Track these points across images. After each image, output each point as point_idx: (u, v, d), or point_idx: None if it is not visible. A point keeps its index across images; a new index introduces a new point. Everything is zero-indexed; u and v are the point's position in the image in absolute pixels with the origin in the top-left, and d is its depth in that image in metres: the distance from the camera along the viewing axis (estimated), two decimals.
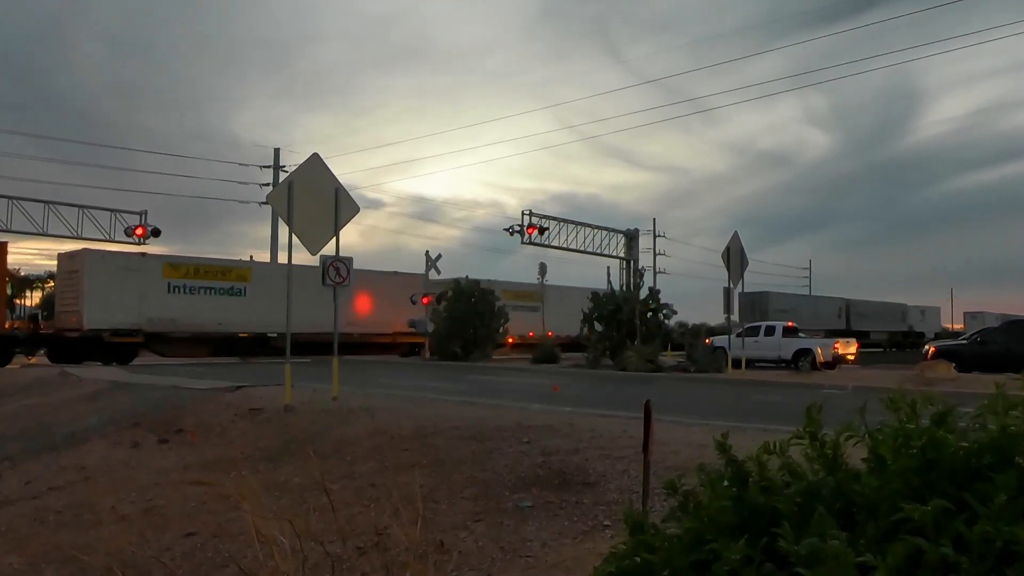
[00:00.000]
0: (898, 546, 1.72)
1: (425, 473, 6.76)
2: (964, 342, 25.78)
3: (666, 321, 32.02)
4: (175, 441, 10.03)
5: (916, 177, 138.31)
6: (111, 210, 32.77)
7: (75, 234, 31.60)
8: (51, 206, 31.26)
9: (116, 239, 32.40)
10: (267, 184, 41.13)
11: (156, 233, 33.02)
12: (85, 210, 32.08)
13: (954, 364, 21.57)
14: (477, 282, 35.03)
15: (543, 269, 44.20)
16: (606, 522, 5.52)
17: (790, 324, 30.91)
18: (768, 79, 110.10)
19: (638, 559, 2.14)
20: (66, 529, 6.64)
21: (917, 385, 15.37)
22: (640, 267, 37.29)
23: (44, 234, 30.95)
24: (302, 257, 13.54)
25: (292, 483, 7.20)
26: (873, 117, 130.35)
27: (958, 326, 79.82)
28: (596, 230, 36.17)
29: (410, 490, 4.85)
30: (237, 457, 7.83)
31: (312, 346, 25.45)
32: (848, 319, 55.44)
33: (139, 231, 32.55)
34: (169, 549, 5.76)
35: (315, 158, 12.85)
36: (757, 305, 44.43)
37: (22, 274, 57.93)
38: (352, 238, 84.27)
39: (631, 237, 37.83)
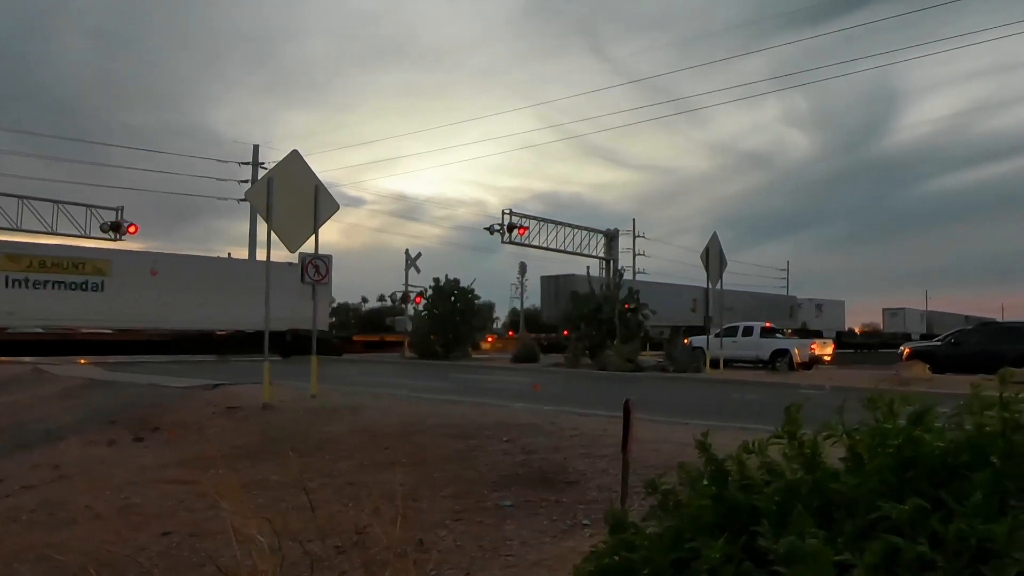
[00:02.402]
0: (875, 544, 1.74)
1: (406, 471, 6.74)
2: (939, 343, 26.11)
3: (645, 321, 32.19)
4: (152, 439, 9.93)
5: (899, 178, 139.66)
6: (87, 205, 32.44)
7: (50, 229, 31.24)
8: (25, 201, 30.88)
9: (92, 235, 32.07)
10: (246, 181, 40.86)
11: (129, 229, 32.65)
12: (60, 205, 31.71)
13: (929, 365, 21.87)
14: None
15: (523, 268, 44.34)
16: (586, 521, 5.53)
17: (767, 324, 31.13)
18: (752, 79, 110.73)
19: (618, 558, 2.15)
20: (40, 528, 6.55)
21: (893, 385, 15.55)
22: (620, 267, 37.40)
23: (18, 229, 30.55)
24: (282, 254, 13.47)
25: (271, 481, 7.16)
26: (856, 118, 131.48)
27: (864, 328, 74.98)
28: (576, 230, 36.23)
29: (390, 488, 4.84)
30: (215, 455, 7.76)
31: None
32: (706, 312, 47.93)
33: (131, 229, 32.45)
34: (145, 548, 5.70)
35: (295, 155, 12.80)
36: (561, 289, 37.60)
37: None
38: (332, 236, 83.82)
39: (611, 237, 37.91)
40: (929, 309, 78.81)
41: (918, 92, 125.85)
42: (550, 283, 40.00)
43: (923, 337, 64.41)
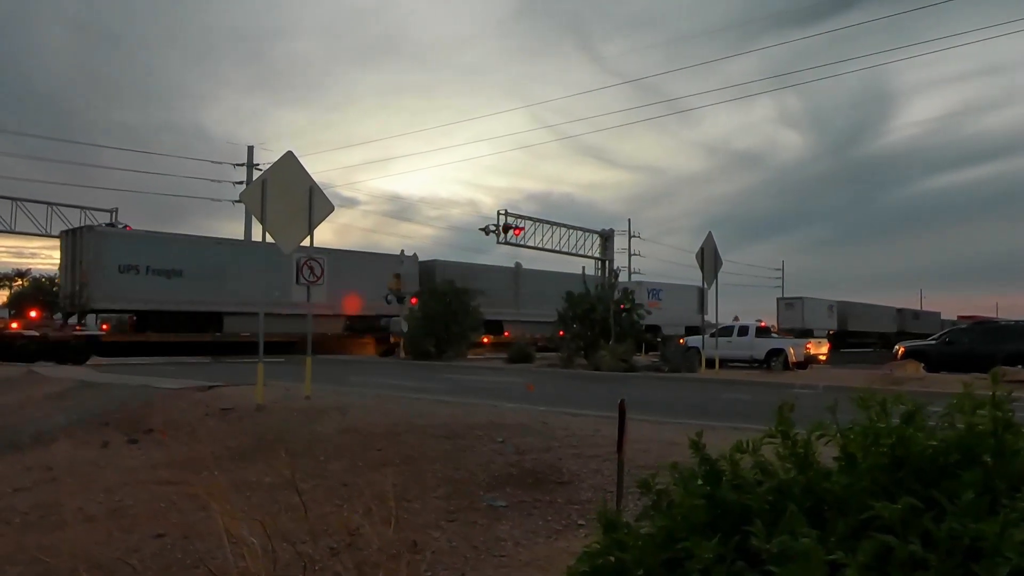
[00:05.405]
0: (867, 543, 1.73)
1: (398, 472, 6.73)
2: (932, 343, 26.21)
3: (639, 321, 32.19)
4: (145, 440, 9.89)
5: (889, 179, 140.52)
6: (81, 207, 32.33)
7: (44, 231, 31.16)
8: (19, 203, 30.75)
9: None
10: (240, 182, 40.82)
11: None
12: (54, 207, 31.59)
13: (922, 364, 21.97)
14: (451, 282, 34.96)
15: (517, 268, 44.31)
16: (580, 521, 5.53)
17: (762, 324, 31.18)
18: (744, 80, 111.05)
19: (611, 558, 2.15)
20: (32, 530, 6.52)
21: (886, 384, 15.59)
22: (615, 267, 37.40)
23: (12, 231, 30.47)
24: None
25: (263, 482, 7.13)
26: (847, 119, 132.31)
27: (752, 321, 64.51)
28: (571, 230, 36.21)
29: (382, 489, 4.82)
30: (207, 456, 7.73)
31: None
32: (517, 293, 43.13)
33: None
34: (137, 550, 5.67)
35: (289, 156, 12.75)
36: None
37: None
38: (326, 236, 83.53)
39: (606, 237, 37.91)
40: (843, 300, 64.88)
41: (908, 93, 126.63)
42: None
43: (833, 334, 53.29)
